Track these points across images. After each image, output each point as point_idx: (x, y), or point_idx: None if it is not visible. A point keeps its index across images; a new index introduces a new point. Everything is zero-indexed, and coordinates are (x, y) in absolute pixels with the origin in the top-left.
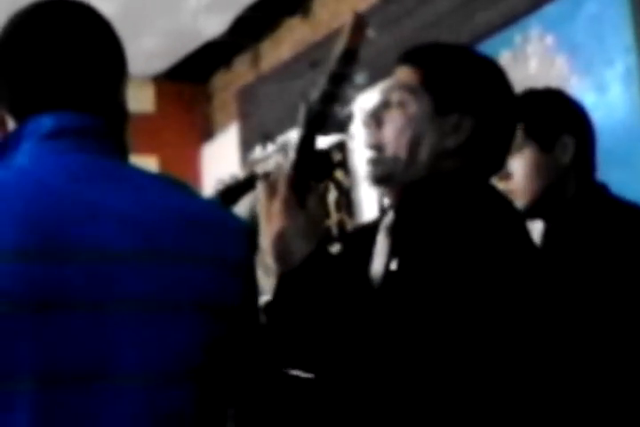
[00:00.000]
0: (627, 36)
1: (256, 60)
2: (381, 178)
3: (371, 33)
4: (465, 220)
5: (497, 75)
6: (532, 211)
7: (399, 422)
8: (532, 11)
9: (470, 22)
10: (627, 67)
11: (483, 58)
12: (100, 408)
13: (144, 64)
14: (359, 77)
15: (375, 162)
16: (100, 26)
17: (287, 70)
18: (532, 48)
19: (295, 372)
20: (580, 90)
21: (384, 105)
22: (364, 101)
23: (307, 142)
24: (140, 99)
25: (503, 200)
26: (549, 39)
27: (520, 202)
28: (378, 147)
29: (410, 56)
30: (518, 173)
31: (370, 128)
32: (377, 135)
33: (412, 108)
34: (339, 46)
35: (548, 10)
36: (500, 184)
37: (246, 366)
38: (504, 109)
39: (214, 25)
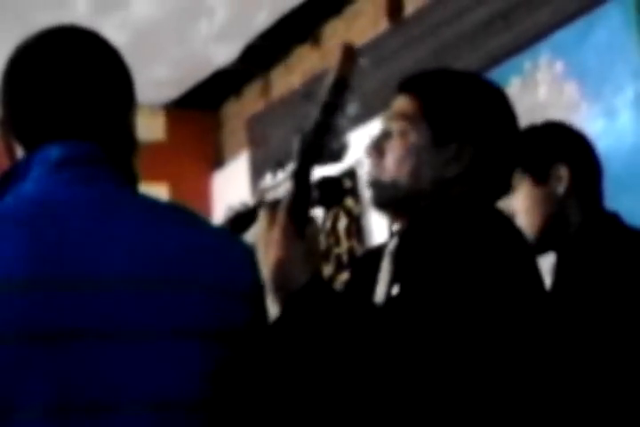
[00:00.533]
0: (636, 61)
1: (266, 88)
2: (383, 202)
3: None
4: (468, 244)
5: (497, 100)
6: (540, 245)
7: None
8: (541, 37)
9: (479, 50)
10: (636, 93)
11: (483, 83)
12: None
13: (155, 92)
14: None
15: (374, 185)
16: (109, 55)
17: (297, 98)
18: (542, 75)
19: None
20: (590, 116)
21: (385, 135)
22: (369, 131)
23: (302, 173)
24: (150, 127)
25: (508, 224)
26: (559, 66)
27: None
28: (378, 177)
29: (409, 84)
30: (519, 210)
31: (372, 158)
32: (379, 165)
33: (412, 137)
34: (330, 77)
35: (557, 36)
36: None
37: (253, 392)
38: (505, 135)
39: (225, 53)
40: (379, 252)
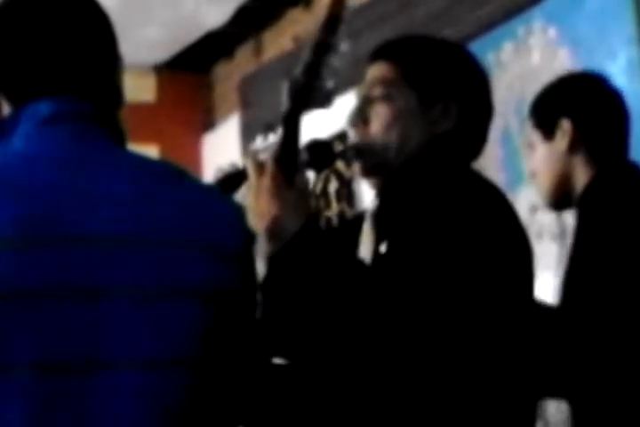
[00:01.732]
0: (629, 28)
1: (258, 51)
2: (372, 168)
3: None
4: (450, 200)
5: (469, 61)
6: (554, 205)
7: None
8: (534, 3)
9: (473, 15)
10: (629, 59)
11: (454, 46)
12: (97, 395)
13: (146, 54)
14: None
15: (365, 152)
16: (95, 12)
17: (289, 60)
18: (535, 40)
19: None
20: None
21: (367, 102)
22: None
23: (292, 118)
24: (141, 88)
25: (485, 182)
26: (552, 31)
27: (543, 198)
28: (366, 143)
29: (384, 52)
30: (537, 170)
31: (356, 126)
32: (365, 132)
33: (398, 100)
34: (320, 17)
35: (550, 2)
36: (532, 185)
37: (241, 355)
38: (483, 93)
39: (216, 15)
40: (357, 218)
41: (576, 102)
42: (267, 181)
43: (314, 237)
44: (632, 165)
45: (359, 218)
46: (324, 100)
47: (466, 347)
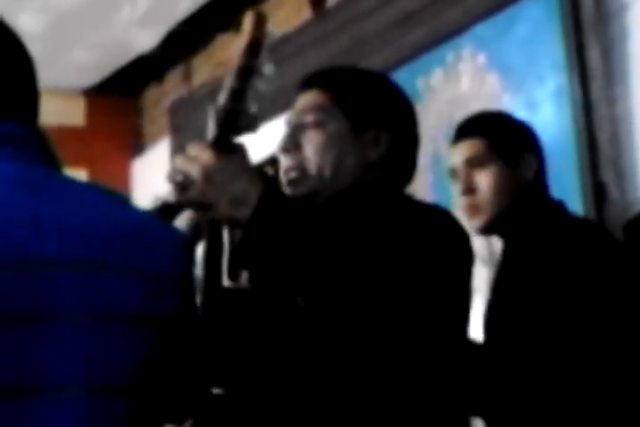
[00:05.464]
0: (558, 54)
1: (188, 75)
2: (304, 196)
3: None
4: (389, 227)
5: (398, 92)
6: (494, 226)
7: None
8: (464, 29)
9: (402, 40)
10: (558, 85)
11: (379, 75)
12: (42, 421)
13: (75, 77)
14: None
15: (297, 182)
16: (14, 38)
17: (219, 85)
18: (464, 66)
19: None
20: (511, 108)
21: (298, 128)
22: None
23: (221, 143)
24: (70, 112)
25: (423, 207)
26: (481, 58)
27: (483, 216)
28: (299, 169)
29: (316, 80)
30: (484, 188)
31: (288, 152)
32: (297, 158)
33: (330, 127)
34: (242, 42)
35: (479, 28)
36: (462, 199)
37: (180, 381)
38: (411, 123)
39: (146, 39)
40: None
41: (536, 140)
42: (205, 156)
43: (281, 201)
44: (558, 202)
45: None
46: (250, 124)
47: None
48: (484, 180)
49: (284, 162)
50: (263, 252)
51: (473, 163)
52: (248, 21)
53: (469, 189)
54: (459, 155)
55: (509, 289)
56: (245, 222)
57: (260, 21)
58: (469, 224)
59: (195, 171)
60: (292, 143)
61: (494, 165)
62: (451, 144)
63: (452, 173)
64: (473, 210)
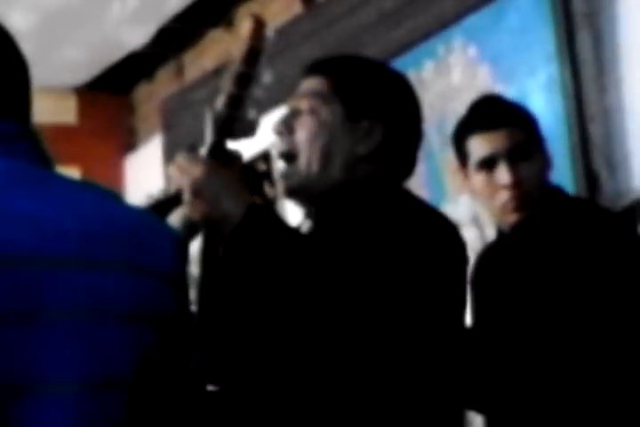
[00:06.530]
0: (549, 45)
1: (179, 72)
2: (295, 190)
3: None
4: (381, 226)
5: (403, 84)
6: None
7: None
8: (454, 22)
9: (393, 34)
10: (549, 76)
11: (388, 68)
12: (32, 419)
13: (66, 75)
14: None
15: (288, 175)
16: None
17: (211, 81)
18: (455, 59)
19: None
20: None
21: (294, 113)
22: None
23: (218, 149)
24: (61, 110)
25: (419, 204)
26: (472, 50)
27: (527, 211)
28: (290, 153)
29: (317, 67)
30: (530, 180)
31: (281, 135)
32: (289, 142)
33: (324, 114)
34: (241, 48)
35: (470, 21)
36: (505, 192)
37: (176, 378)
38: (412, 117)
39: (137, 36)
40: None
41: (538, 129)
42: (195, 170)
43: (264, 217)
44: (556, 186)
45: None
46: (247, 130)
47: (384, 352)
48: (529, 172)
49: (278, 144)
50: (241, 270)
51: (516, 154)
52: (246, 26)
53: (517, 182)
54: (499, 143)
55: (519, 282)
56: (225, 241)
57: (259, 27)
58: (509, 218)
59: (185, 184)
60: (287, 127)
61: (539, 157)
62: (478, 133)
63: (487, 162)
64: (518, 202)
